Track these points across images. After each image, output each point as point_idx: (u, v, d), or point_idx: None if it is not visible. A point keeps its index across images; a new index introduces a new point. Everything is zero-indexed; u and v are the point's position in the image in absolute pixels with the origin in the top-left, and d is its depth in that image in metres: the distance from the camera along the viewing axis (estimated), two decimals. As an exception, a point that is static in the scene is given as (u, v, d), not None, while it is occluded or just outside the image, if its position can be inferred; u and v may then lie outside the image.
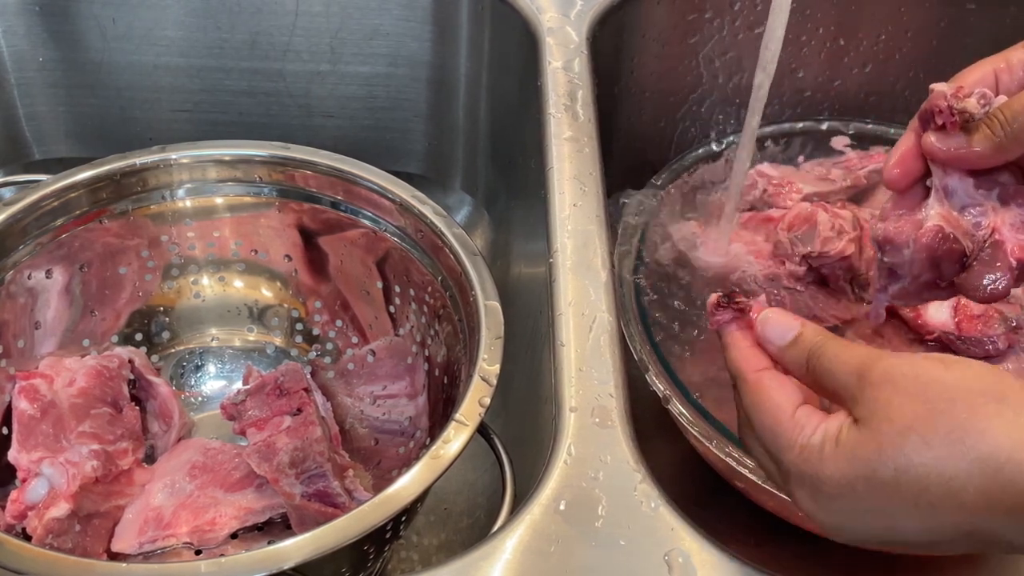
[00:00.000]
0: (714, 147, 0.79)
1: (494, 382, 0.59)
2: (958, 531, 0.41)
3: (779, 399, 0.47)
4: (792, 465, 0.45)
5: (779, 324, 0.49)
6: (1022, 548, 0.41)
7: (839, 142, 0.81)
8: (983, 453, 0.39)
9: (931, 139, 0.52)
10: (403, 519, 0.59)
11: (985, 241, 0.52)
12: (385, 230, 0.72)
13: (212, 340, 0.78)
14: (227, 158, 0.73)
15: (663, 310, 0.69)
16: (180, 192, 0.73)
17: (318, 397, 0.71)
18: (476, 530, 0.73)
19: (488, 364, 0.59)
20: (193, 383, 0.77)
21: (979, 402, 0.40)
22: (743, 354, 0.49)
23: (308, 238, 0.75)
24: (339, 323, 0.77)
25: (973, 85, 0.52)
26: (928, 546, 0.43)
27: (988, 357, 0.67)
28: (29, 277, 0.69)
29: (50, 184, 0.69)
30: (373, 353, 0.74)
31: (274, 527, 0.68)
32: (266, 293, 0.78)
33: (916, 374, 0.42)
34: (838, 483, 0.43)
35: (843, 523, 0.45)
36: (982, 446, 0.39)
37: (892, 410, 0.42)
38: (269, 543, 0.57)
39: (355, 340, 0.77)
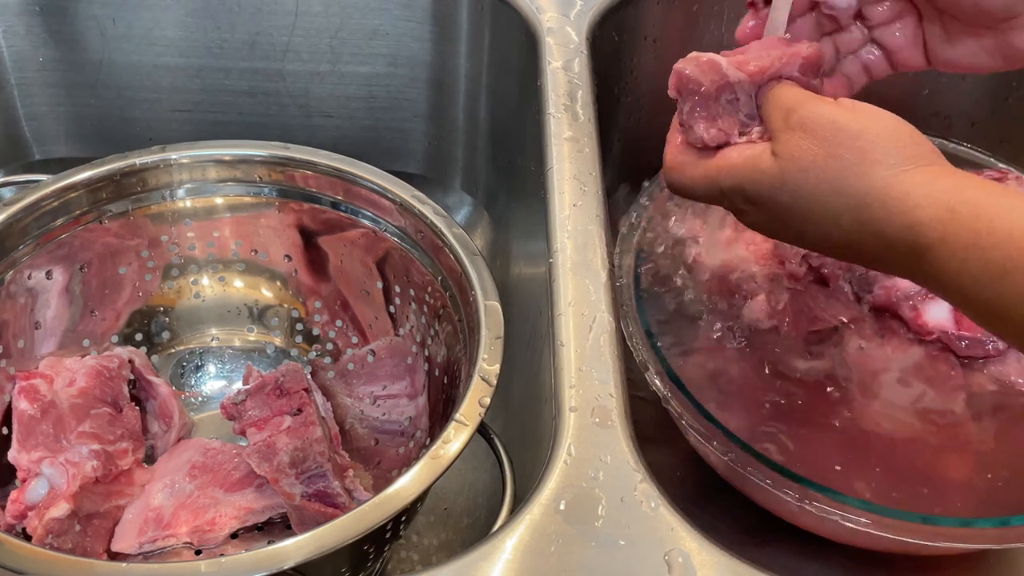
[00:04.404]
0: (714, 147, 0.78)
1: (494, 382, 0.59)
2: (841, 242, 0.50)
3: None
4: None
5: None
6: (884, 268, 0.51)
7: None
8: (859, 191, 0.48)
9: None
10: (403, 519, 0.59)
11: None
12: (385, 230, 0.72)
13: (212, 340, 0.79)
14: (227, 158, 0.73)
15: (663, 310, 0.69)
16: (180, 192, 0.73)
17: (318, 397, 0.71)
18: (476, 530, 0.73)
19: (488, 364, 0.59)
20: (193, 383, 0.77)
21: (869, 150, 0.48)
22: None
23: (308, 238, 0.75)
24: (339, 323, 0.77)
25: None
26: (826, 250, 0.53)
27: (988, 357, 0.67)
28: (29, 277, 0.69)
29: (50, 184, 0.69)
30: (373, 353, 0.74)
31: (274, 527, 0.68)
32: (266, 293, 0.78)
33: (830, 120, 0.50)
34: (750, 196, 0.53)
35: (757, 228, 0.55)
36: (859, 186, 0.48)
37: (800, 152, 0.50)
38: (269, 543, 0.57)
39: (355, 340, 0.77)
